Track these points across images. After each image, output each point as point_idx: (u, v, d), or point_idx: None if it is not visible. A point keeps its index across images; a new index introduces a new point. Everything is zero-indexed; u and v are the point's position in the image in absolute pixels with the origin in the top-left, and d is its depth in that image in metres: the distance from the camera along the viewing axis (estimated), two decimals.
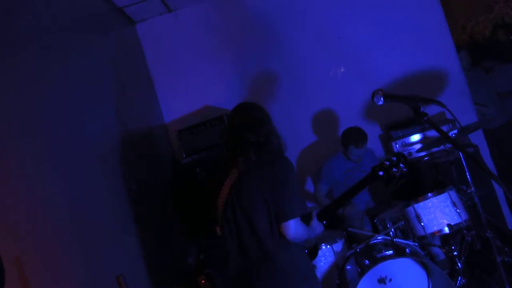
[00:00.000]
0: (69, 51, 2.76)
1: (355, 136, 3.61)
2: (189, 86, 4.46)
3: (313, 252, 2.29)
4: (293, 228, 1.95)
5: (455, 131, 2.90)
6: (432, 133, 3.85)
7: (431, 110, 4.02)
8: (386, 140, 4.24)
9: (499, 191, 4.10)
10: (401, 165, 2.18)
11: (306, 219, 2.09)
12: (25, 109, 2.09)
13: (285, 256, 2.01)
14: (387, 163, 2.19)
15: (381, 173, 2.19)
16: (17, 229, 1.73)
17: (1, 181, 1.72)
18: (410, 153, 3.87)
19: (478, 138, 4.21)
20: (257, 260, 2.02)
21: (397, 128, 4.05)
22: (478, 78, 4.55)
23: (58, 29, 2.69)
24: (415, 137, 3.95)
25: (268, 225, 1.99)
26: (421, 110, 1.68)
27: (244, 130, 2.07)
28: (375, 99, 1.86)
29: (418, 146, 3.88)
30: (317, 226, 2.16)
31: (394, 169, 2.17)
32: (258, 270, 2.02)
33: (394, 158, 2.20)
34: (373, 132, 4.34)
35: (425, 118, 1.67)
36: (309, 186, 4.42)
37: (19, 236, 1.75)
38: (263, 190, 1.98)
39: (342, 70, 4.40)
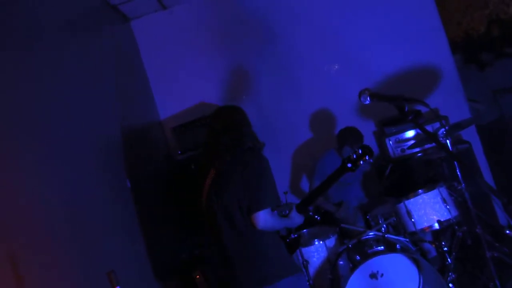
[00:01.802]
0: (63, 49, 2.77)
1: (352, 136, 3.66)
2: (184, 83, 4.48)
3: (294, 244, 2.43)
4: (262, 218, 2.13)
5: (446, 127, 2.92)
6: (428, 128, 3.85)
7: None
8: (380, 136, 4.26)
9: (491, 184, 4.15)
10: (366, 157, 2.35)
11: (283, 211, 2.29)
12: (18, 108, 2.11)
13: (260, 246, 2.20)
14: (354, 156, 2.36)
15: (349, 165, 2.37)
16: (10, 226, 1.76)
17: None
18: (403, 150, 3.89)
19: (471, 135, 4.24)
20: (237, 251, 2.23)
21: (391, 124, 4.06)
22: (470, 75, 4.57)
23: (52, 27, 2.70)
24: (409, 134, 3.96)
25: (242, 218, 2.20)
26: (406, 110, 1.70)
27: (222, 134, 2.28)
28: (361, 99, 1.89)
29: (412, 142, 3.89)
30: (296, 217, 2.31)
31: (361, 162, 2.35)
32: (238, 260, 2.23)
33: (360, 151, 2.37)
34: (367, 128, 4.37)
35: (410, 117, 1.70)
36: (305, 183, 4.46)
37: (12, 234, 1.77)
38: (237, 186, 2.20)
39: (336, 67, 4.42)
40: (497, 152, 4.46)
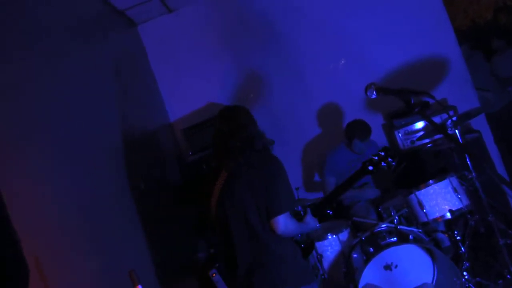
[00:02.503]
0: (74, 55, 2.84)
1: (360, 129, 3.67)
2: (193, 85, 4.53)
3: (309, 248, 2.38)
4: (282, 223, 2.07)
5: (454, 118, 2.93)
6: (437, 119, 3.87)
7: (434, 95, 4.10)
8: (389, 129, 4.28)
9: (503, 173, 4.14)
10: (389, 159, 2.31)
11: (298, 215, 2.21)
12: (33, 112, 2.17)
13: (279, 251, 2.14)
14: (376, 158, 2.32)
15: (371, 167, 2.33)
16: (33, 230, 1.82)
17: (13, 183, 1.81)
18: (412, 141, 3.91)
19: (481, 123, 4.23)
20: (253, 257, 2.16)
21: (399, 117, 4.07)
22: (476, 63, 4.56)
23: (61, 34, 2.76)
24: (418, 125, 3.96)
25: (260, 222, 2.13)
26: (412, 102, 1.73)
27: (230, 136, 2.19)
28: (368, 93, 1.93)
29: (421, 133, 3.89)
30: (311, 221, 2.27)
31: (383, 164, 2.31)
32: (254, 266, 2.16)
33: (382, 153, 2.33)
34: (376, 121, 4.38)
35: (416, 110, 1.72)
36: (316, 178, 4.50)
37: (36, 237, 1.84)
38: (253, 190, 2.13)
39: (342, 62, 4.44)
40: (507, 139, 4.45)
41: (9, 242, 1.33)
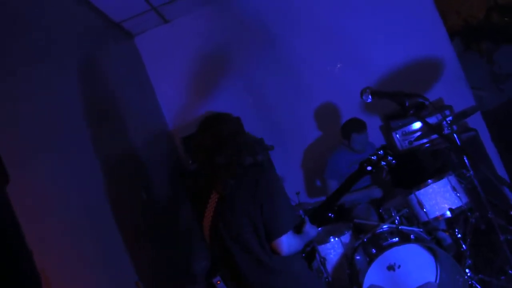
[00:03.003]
0: (72, 68, 2.88)
1: (354, 123, 3.72)
2: (191, 94, 4.58)
3: (311, 255, 2.37)
4: (286, 243, 1.91)
5: (450, 117, 2.97)
6: (433, 119, 3.90)
7: (430, 96, 4.15)
8: (387, 130, 4.32)
9: (501, 171, 4.17)
10: (389, 157, 2.20)
11: (298, 227, 2.06)
12: (32, 125, 2.20)
13: (289, 269, 2.00)
14: (375, 157, 2.21)
15: (369, 168, 2.21)
16: (39, 243, 1.85)
17: (20, 198, 1.85)
18: (410, 142, 3.94)
19: (477, 122, 4.27)
20: (263, 278, 1.99)
21: (396, 118, 4.11)
22: (471, 62, 4.60)
23: (60, 48, 2.81)
24: (416, 125, 4.00)
25: (260, 248, 1.95)
26: (407, 105, 1.77)
27: (215, 151, 1.94)
28: (364, 97, 1.96)
29: (418, 134, 3.92)
30: (311, 230, 2.06)
31: (383, 163, 2.20)
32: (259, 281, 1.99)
33: (381, 152, 2.22)
34: (373, 123, 4.44)
35: (411, 112, 1.76)
36: (317, 182, 4.53)
37: (42, 250, 1.87)
38: (249, 211, 1.93)
39: (338, 65, 4.49)
40: (504, 136, 4.49)
41: (24, 255, 1.36)
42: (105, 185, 2.72)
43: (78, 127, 2.66)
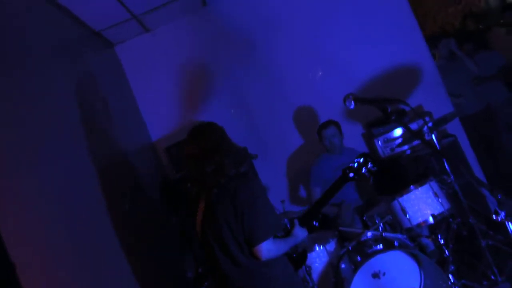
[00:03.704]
0: (51, 78, 2.82)
1: (322, 123, 3.92)
2: (173, 103, 4.54)
3: (302, 258, 2.38)
4: (265, 250, 2.02)
5: (430, 124, 3.01)
6: (414, 125, 3.95)
7: (409, 102, 4.19)
8: (369, 138, 4.35)
9: (480, 176, 4.24)
10: (369, 164, 2.29)
11: (286, 229, 2.17)
12: (10, 135, 2.14)
13: (268, 273, 2.10)
14: (355, 165, 2.29)
15: (351, 174, 2.31)
16: (19, 256, 1.79)
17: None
18: (392, 149, 3.98)
19: (456, 127, 4.34)
20: (243, 280, 2.11)
21: (378, 125, 4.15)
22: (455, 67, 4.68)
23: (39, 57, 2.75)
24: (397, 132, 4.05)
25: (240, 252, 2.08)
26: (389, 111, 1.78)
27: (203, 159, 2.08)
28: (346, 104, 1.98)
29: (400, 140, 3.97)
30: (300, 233, 2.22)
31: (364, 170, 2.29)
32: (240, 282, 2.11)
33: (361, 159, 2.30)
34: (355, 131, 4.47)
35: (393, 118, 1.77)
36: (302, 189, 4.53)
37: (23, 263, 1.80)
38: (228, 218, 2.06)
39: (320, 73, 4.52)
40: (484, 141, 4.58)
41: (7, 267, 1.32)
42: (86, 197, 2.66)
43: (57, 139, 2.59)
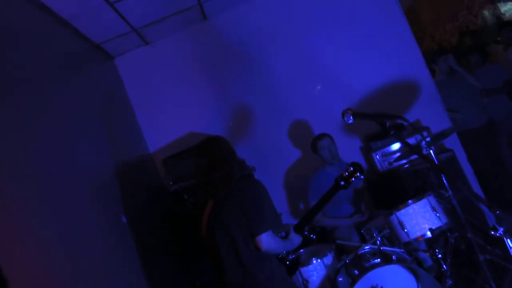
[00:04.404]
0: (51, 91, 2.84)
1: (316, 136, 3.96)
2: (171, 115, 4.56)
3: (294, 265, 2.53)
4: (265, 241, 2.25)
5: (428, 139, 3.03)
6: (412, 140, 3.98)
7: (407, 118, 4.21)
8: (367, 151, 4.37)
9: (478, 191, 4.25)
10: (358, 173, 2.53)
11: (280, 232, 2.40)
12: (10, 148, 2.14)
13: (261, 268, 2.29)
14: (346, 173, 2.54)
15: (342, 183, 2.54)
16: (12, 271, 1.78)
17: None
18: (390, 163, 3.99)
19: (453, 142, 4.37)
20: (238, 284, 2.30)
21: (376, 139, 4.17)
22: (456, 82, 4.70)
23: (38, 70, 2.77)
24: (395, 146, 4.08)
25: (243, 240, 2.28)
26: (388, 125, 1.80)
27: (211, 169, 2.37)
28: (345, 118, 1.99)
29: (398, 154, 3.99)
30: (295, 238, 2.45)
31: (353, 178, 2.54)
32: (238, 281, 2.29)
33: (352, 168, 2.55)
34: (354, 145, 4.49)
35: (392, 133, 1.79)
36: (300, 202, 4.52)
37: (14, 274, 1.79)
38: (237, 212, 2.29)
39: (318, 88, 4.55)
40: (485, 155, 4.59)
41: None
42: (82, 209, 2.65)
43: (54, 150, 2.59)
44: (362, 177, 2.61)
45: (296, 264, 2.54)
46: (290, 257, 2.53)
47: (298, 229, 2.47)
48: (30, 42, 2.76)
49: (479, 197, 1.75)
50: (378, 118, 1.83)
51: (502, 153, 4.65)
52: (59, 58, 3.18)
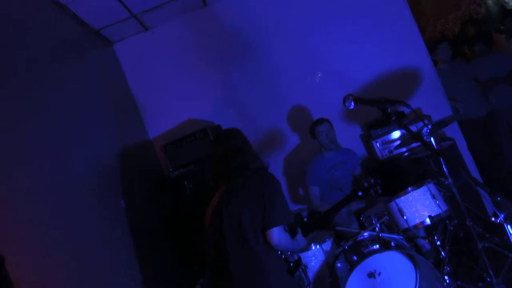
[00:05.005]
0: (51, 77, 2.82)
1: (314, 121, 3.92)
2: (171, 101, 4.54)
3: (296, 266, 2.54)
4: (277, 234, 2.21)
5: (429, 126, 3.02)
6: (413, 128, 3.95)
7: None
8: (367, 139, 4.36)
9: (478, 179, 4.24)
10: (378, 188, 2.67)
11: (292, 232, 2.41)
12: (11, 134, 2.14)
13: (268, 264, 2.25)
14: (366, 184, 2.65)
15: (360, 193, 2.69)
16: (10, 252, 1.78)
17: None
18: (390, 151, 3.99)
19: (454, 131, 4.36)
20: (240, 268, 2.24)
21: (376, 127, 4.16)
22: (456, 71, 4.66)
23: (38, 56, 2.75)
24: (395, 134, 4.07)
25: (253, 233, 2.24)
26: (389, 111, 1.79)
27: (228, 159, 2.37)
28: (346, 104, 1.98)
29: (398, 142, 3.98)
30: (301, 240, 2.46)
31: (372, 191, 2.66)
32: (239, 278, 2.24)
33: (372, 181, 2.67)
34: (354, 132, 4.48)
35: (393, 119, 1.78)
36: (299, 189, 4.53)
37: (12, 260, 1.80)
38: (250, 202, 2.26)
39: (319, 75, 4.53)
40: (485, 144, 4.57)
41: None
42: (81, 194, 2.65)
43: (54, 136, 2.59)
44: (380, 191, 2.71)
45: (298, 265, 2.53)
46: (292, 259, 2.54)
47: (306, 232, 2.52)
48: (28, 26, 2.73)
49: (480, 182, 1.74)
50: (380, 103, 1.82)
51: (503, 145, 4.63)
52: (57, 43, 3.15)
